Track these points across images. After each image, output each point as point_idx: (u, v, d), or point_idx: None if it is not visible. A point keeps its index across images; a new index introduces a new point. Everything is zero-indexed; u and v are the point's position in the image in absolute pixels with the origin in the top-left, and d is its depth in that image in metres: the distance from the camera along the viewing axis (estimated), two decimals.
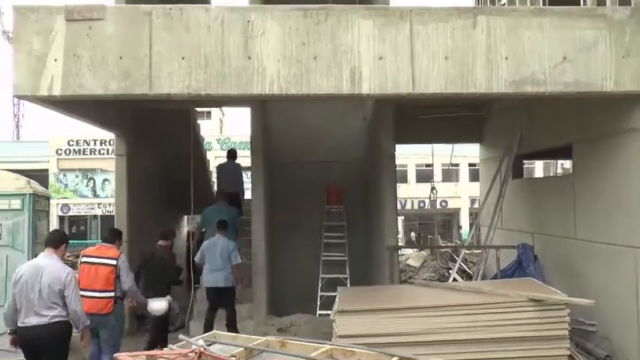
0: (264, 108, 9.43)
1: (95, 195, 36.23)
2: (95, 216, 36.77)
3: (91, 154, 35.94)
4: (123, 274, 6.30)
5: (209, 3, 10.81)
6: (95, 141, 35.62)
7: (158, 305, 7.03)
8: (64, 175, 35.83)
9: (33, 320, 4.95)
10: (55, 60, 5.56)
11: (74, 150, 35.75)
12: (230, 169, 10.85)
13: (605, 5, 7.13)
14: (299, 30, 5.70)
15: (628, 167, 6.47)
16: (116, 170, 9.17)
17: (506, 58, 5.89)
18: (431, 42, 5.78)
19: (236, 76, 5.66)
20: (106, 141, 35.08)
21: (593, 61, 5.98)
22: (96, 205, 36.15)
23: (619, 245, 6.62)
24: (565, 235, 7.97)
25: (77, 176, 36.03)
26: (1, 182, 7.26)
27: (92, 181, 36.28)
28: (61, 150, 35.53)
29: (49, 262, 5.24)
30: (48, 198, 8.18)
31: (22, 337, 5.10)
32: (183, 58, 5.63)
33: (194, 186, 9.24)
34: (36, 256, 5.85)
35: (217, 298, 7.96)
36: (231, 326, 7.79)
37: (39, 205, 7.48)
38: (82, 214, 36.72)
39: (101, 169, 35.81)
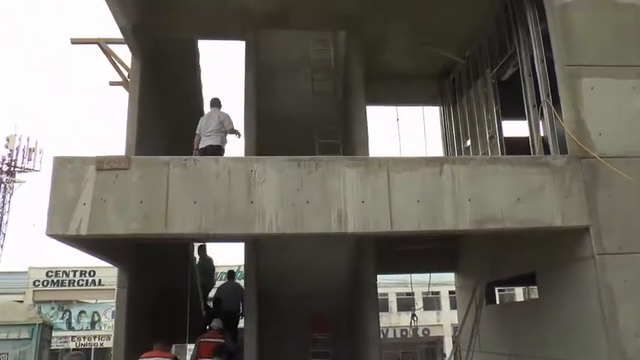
0: (256, 243, 10.28)
1: (70, 327, 35.28)
2: (67, 349, 35.50)
3: (69, 285, 35.43)
4: None
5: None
6: (75, 272, 35.30)
7: None
8: (39, 308, 34.95)
9: None
10: (85, 204, 6.46)
11: (52, 281, 35.29)
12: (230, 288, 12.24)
13: (550, 153, 8.42)
14: (294, 178, 6.77)
15: (584, 292, 7.31)
16: (117, 301, 9.72)
17: (469, 200, 6.97)
18: (405, 187, 6.87)
19: (240, 218, 6.60)
20: (85, 272, 34.93)
21: (542, 201, 7.08)
22: (70, 338, 35.09)
23: None
24: (535, 354, 8.63)
25: (53, 308, 35.22)
26: (13, 313, 7.81)
27: (68, 313, 35.46)
28: (38, 281, 34.97)
29: None
30: (51, 327, 8.66)
31: None
32: (195, 202, 6.58)
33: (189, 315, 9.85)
34: None
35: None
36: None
37: (45, 333, 7.97)
38: (52, 347, 35.33)
39: (77, 301, 35.28)
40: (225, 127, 9.26)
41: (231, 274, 12.74)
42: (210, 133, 9.15)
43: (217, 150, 9.07)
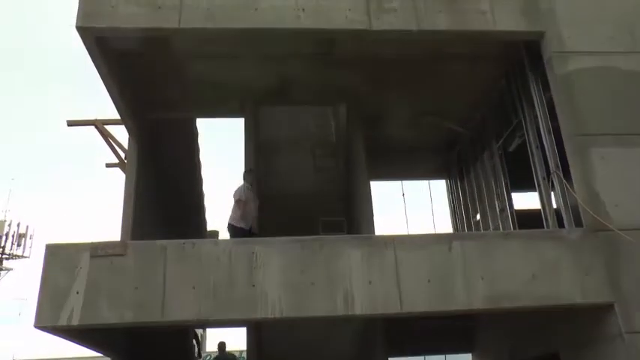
0: (259, 325, 9.79)
1: None
2: None
3: None
4: None
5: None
6: None
7: None
8: None
9: None
10: (77, 293, 6.12)
11: None
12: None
13: (564, 226, 8.07)
14: (297, 259, 6.45)
15: None
16: None
17: (482, 278, 6.59)
18: (414, 266, 6.52)
19: (241, 303, 6.23)
20: None
21: (559, 277, 6.69)
22: None
23: None
24: None
25: None
26: None
27: None
28: None
29: None
30: None
31: None
32: (193, 288, 6.23)
33: None
34: None
35: None
36: None
37: None
38: None
39: None
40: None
41: (221, 347, 12.09)
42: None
43: (228, 228, 8.60)
